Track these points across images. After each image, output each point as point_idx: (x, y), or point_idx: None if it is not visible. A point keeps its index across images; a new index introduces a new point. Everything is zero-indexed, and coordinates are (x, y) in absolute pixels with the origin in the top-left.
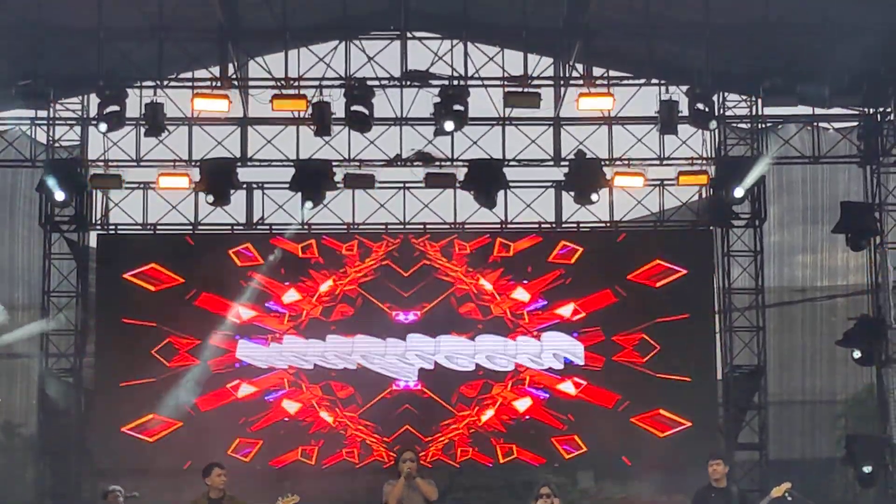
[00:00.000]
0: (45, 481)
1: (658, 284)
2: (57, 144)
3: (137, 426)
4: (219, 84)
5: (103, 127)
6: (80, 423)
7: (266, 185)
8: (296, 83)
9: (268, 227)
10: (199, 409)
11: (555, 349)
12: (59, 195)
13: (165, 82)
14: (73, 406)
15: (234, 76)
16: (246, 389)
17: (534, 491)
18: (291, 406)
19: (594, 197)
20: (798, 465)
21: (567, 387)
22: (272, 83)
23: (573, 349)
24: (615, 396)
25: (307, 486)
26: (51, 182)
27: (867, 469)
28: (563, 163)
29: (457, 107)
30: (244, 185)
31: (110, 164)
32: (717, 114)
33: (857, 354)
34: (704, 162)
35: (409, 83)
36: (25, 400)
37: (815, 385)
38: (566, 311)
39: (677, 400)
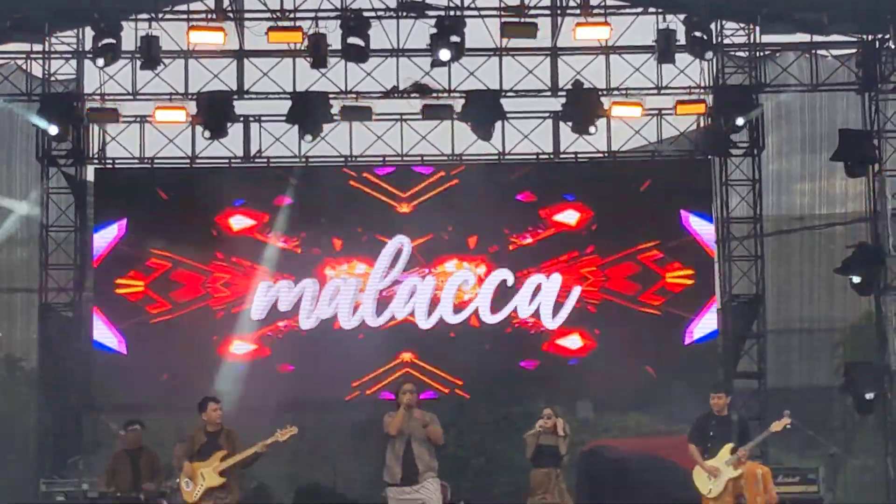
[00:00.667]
0: (46, 416)
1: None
2: (53, 78)
3: None
4: (214, 17)
5: (100, 61)
6: (81, 358)
7: (263, 118)
8: (291, 15)
9: (265, 159)
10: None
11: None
12: (53, 129)
13: (161, 15)
14: (73, 341)
15: (229, 9)
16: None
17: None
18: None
19: (592, 128)
20: (797, 394)
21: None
22: (268, 15)
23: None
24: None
25: (307, 417)
26: (41, 117)
27: (866, 396)
28: (560, 93)
29: (453, 38)
30: (241, 118)
31: (107, 97)
32: (714, 42)
33: (856, 279)
34: (702, 91)
35: (405, 14)
36: (26, 335)
37: (814, 313)
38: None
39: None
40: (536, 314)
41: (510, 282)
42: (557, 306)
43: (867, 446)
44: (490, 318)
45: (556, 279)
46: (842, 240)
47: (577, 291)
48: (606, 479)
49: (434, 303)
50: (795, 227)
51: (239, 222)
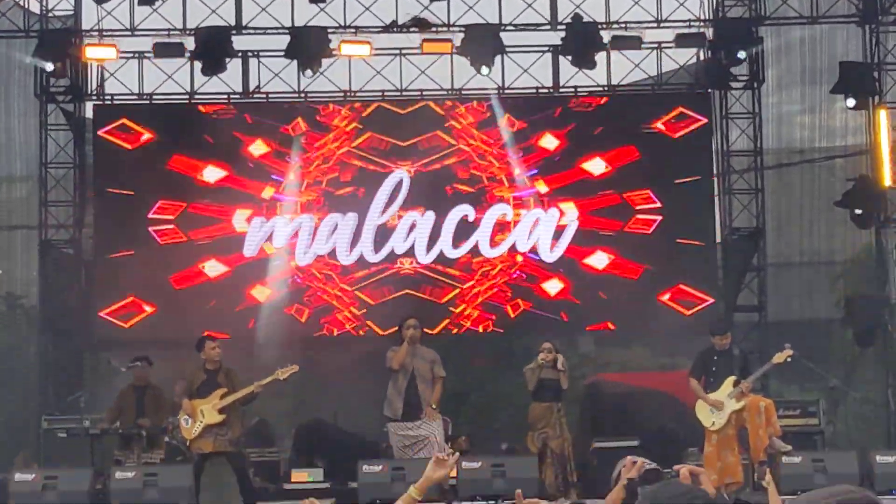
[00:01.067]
0: (47, 353)
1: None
2: (50, 14)
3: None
4: None
5: None
6: (81, 295)
7: (261, 54)
8: None
9: (264, 94)
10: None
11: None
12: (48, 66)
13: None
14: (73, 278)
15: None
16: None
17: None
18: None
19: (591, 61)
20: (797, 327)
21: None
22: None
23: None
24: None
25: (307, 354)
26: (37, 55)
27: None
28: (560, 27)
29: None
30: (239, 54)
31: (104, 33)
32: None
33: (857, 212)
34: (702, 24)
35: None
36: (26, 272)
37: (814, 246)
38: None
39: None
40: (535, 248)
41: (509, 216)
42: (556, 239)
43: (867, 379)
44: (490, 252)
45: (554, 213)
46: (842, 173)
47: (573, 225)
48: (608, 414)
49: (434, 237)
50: (795, 161)
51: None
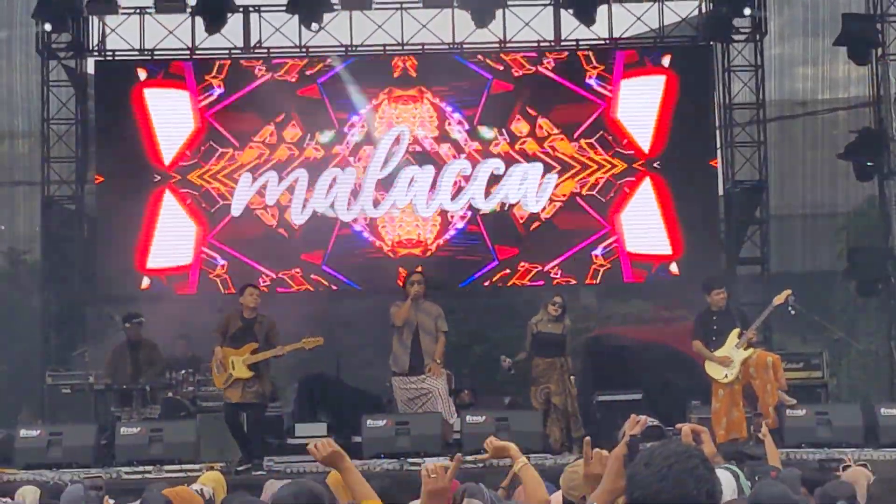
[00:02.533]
0: (51, 308)
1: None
2: None
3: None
4: None
5: None
6: (84, 250)
7: (262, 8)
8: None
9: (265, 50)
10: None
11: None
12: (48, 26)
13: None
14: (75, 233)
15: None
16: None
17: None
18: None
19: (593, 14)
20: (799, 279)
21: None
22: None
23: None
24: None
25: (308, 309)
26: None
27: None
28: None
29: None
30: (240, 9)
31: None
32: None
33: (867, 162)
34: None
35: None
36: (29, 227)
37: (817, 198)
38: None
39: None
40: (523, 200)
41: (500, 170)
42: (540, 192)
43: (870, 330)
44: (483, 205)
45: (538, 166)
46: (845, 125)
47: (553, 178)
48: (611, 367)
49: (432, 191)
50: (798, 113)
51: None
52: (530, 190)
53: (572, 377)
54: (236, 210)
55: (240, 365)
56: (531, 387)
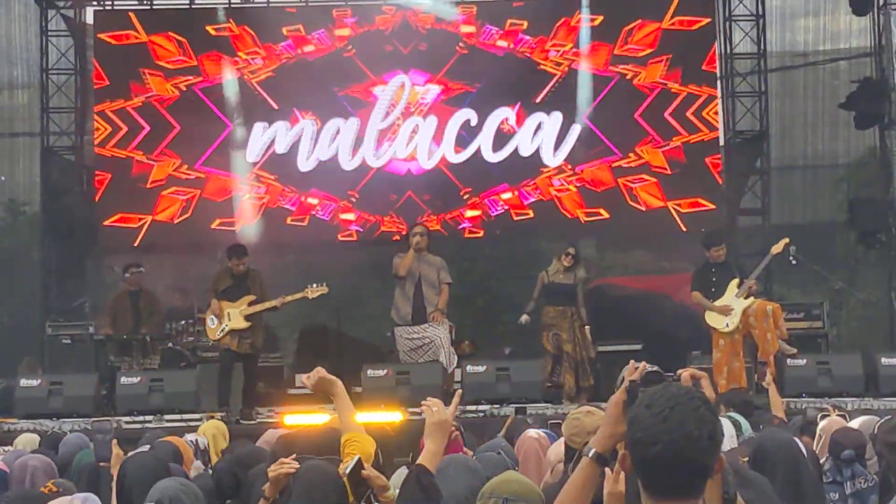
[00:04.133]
0: (51, 259)
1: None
2: None
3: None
4: None
5: None
6: (84, 201)
7: None
8: None
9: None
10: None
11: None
12: None
13: None
14: (75, 184)
15: None
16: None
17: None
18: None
19: None
20: (800, 229)
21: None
22: None
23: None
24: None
25: (307, 259)
26: None
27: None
28: None
29: None
30: None
31: None
32: None
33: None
34: None
35: None
36: (28, 178)
37: (818, 149)
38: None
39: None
40: (537, 152)
41: (511, 119)
42: (558, 143)
43: (870, 281)
44: (492, 157)
45: (557, 116)
46: (846, 75)
47: (576, 129)
48: (610, 318)
49: (436, 142)
50: (799, 63)
51: None
52: (546, 140)
53: (587, 327)
54: (252, 156)
55: (237, 315)
56: (542, 332)
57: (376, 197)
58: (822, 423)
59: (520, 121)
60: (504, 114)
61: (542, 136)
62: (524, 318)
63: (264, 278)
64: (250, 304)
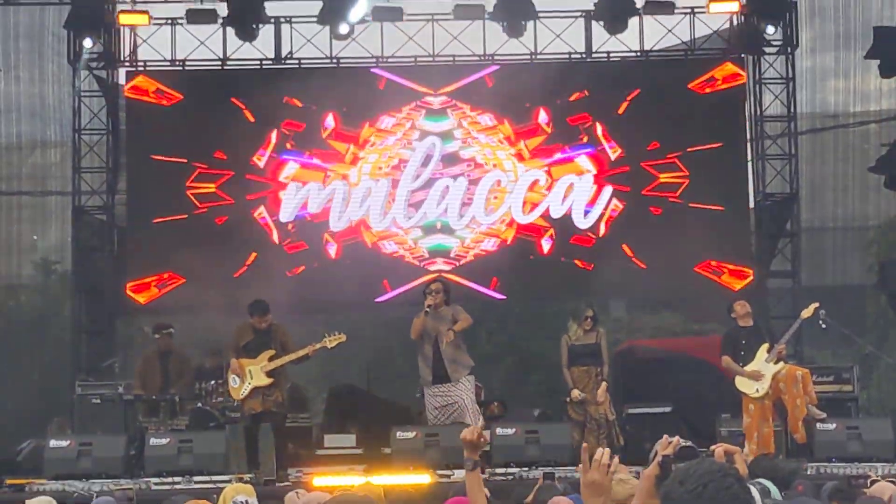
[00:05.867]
0: (81, 318)
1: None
2: None
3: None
4: None
5: None
6: (114, 261)
7: (294, 19)
8: None
9: (297, 61)
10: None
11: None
12: (87, 42)
13: None
14: (106, 243)
15: None
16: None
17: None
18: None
19: (624, 26)
20: (830, 292)
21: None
22: None
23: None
24: None
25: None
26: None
27: None
28: None
29: None
30: (272, 20)
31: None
32: None
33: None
34: None
35: None
36: (60, 238)
37: (848, 211)
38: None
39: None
40: (568, 214)
41: (542, 181)
42: (589, 207)
43: None
44: (522, 219)
45: (588, 179)
46: (876, 138)
47: (608, 191)
48: (641, 380)
49: (466, 203)
50: (829, 125)
51: None
52: (578, 202)
53: (605, 382)
54: (285, 216)
55: (258, 372)
56: (568, 397)
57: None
58: (870, 490)
59: (551, 182)
60: (535, 175)
61: (573, 198)
62: (575, 393)
63: (287, 333)
64: (271, 358)
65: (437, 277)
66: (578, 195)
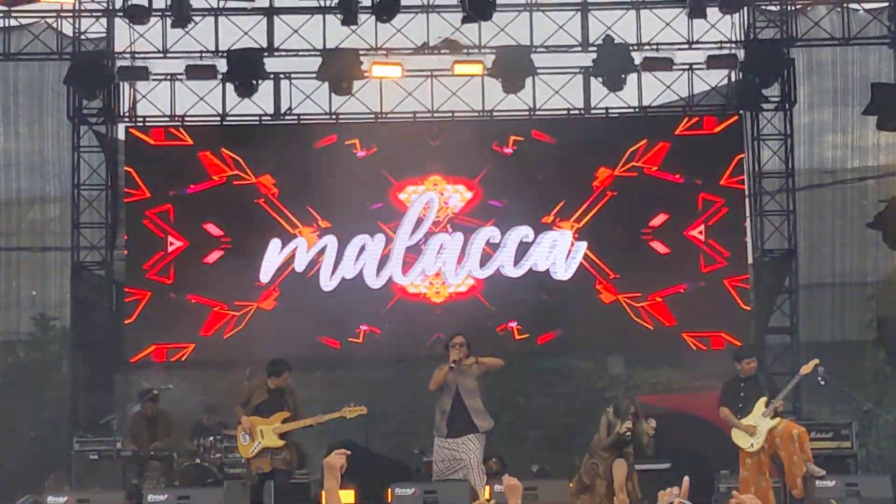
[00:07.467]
0: (79, 374)
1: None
2: (83, 37)
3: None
4: None
5: (130, 19)
6: (112, 316)
7: (293, 75)
8: None
9: (296, 117)
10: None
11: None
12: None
13: None
14: (104, 299)
15: None
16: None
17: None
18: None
19: (622, 83)
20: (829, 348)
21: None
22: None
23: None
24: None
25: (336, 374)
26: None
27: None
28: (591, 48)
29: None
30: (271, 76)
31: (137, 56)
32: None
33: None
34: (733, 45)
35: None
36: (59, 293)
37: (846, 267)
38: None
39: None
40: (552, 267)
41: (530, 237)
42: (569, 260)
43: None
44: (512, 273)
45: (567, 234)
46: (874, 193)
47: (582, 246)
48: None
49: (461, 259)
50: (827, 181)
51: None
52: (559, 257)
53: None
54: (265, 277)
55: (269, 433)
56: (585, 457)
57: (403, 325)
58: None
59: (537, 238)
60: (524, 232)
61: (556, 254)
62: (651, 422)
63: (298, 395)
64: (284, 420)
65: (459, 332)
66: (559, 250)
